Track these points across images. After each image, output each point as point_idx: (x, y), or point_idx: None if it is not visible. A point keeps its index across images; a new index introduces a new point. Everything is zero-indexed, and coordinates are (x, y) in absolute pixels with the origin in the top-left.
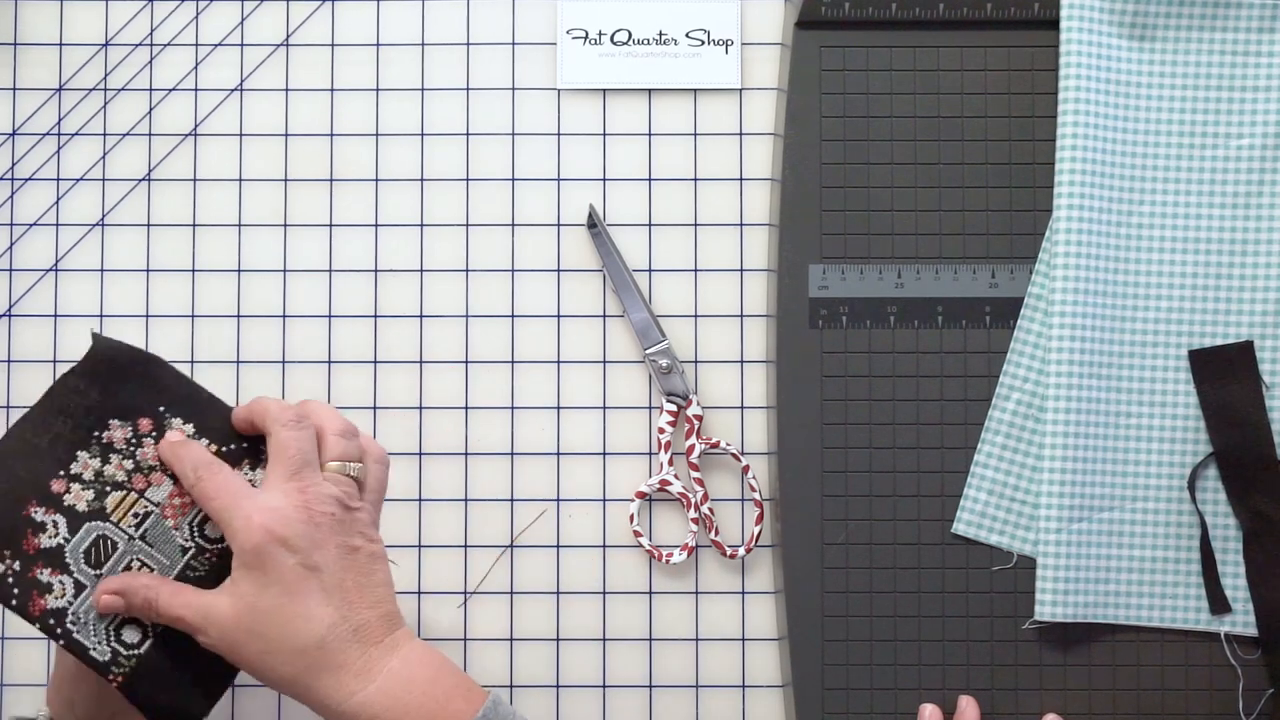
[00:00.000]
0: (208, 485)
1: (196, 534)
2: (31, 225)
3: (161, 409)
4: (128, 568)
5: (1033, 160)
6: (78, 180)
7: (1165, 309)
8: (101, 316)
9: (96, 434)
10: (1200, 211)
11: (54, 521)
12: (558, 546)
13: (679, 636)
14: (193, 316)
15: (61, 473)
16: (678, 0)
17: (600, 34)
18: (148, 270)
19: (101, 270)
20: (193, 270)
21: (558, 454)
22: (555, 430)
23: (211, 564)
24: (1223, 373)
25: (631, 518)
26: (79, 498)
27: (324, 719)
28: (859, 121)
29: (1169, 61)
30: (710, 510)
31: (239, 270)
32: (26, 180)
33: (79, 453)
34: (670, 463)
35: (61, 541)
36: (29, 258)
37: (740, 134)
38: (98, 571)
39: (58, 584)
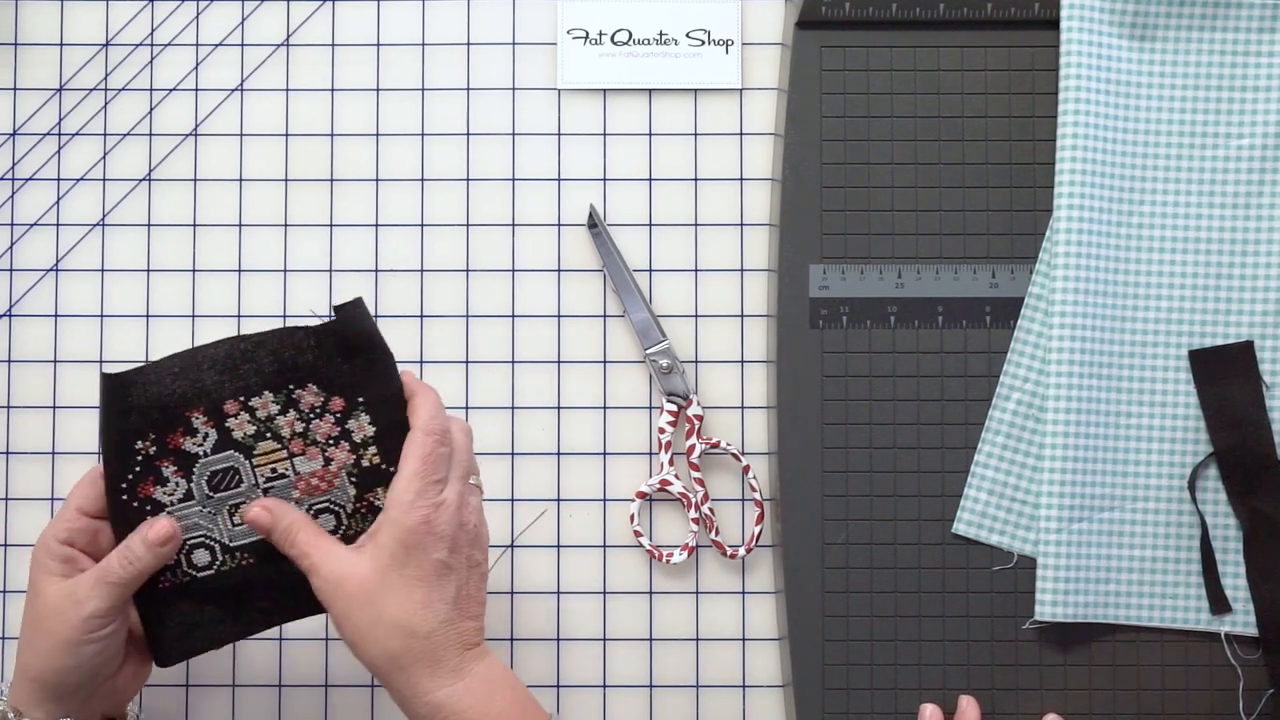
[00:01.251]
0: (413, 462)
1: None
2: (32, 225)
3: (360, 400)
4: (234, 508)
5: (1033, 160)
6: (78, 180)
7: (1165, 309)
8: (102, 316)
9: (291, 387)
10: (1200, 211)
11: (206, 434)
12: (558, 546)
13: (679, 636)
14: (193, 316)
15: (242, 398)
16: (678, 0)
17: (600, 34)
18: (148, 270)
19: (102, 270)
20: (193, 270)
21: (558, 454)
22: (555, 430)
23: None
24: (1223, 373)
25: (632, 518)
26: (241, 426)
27: (405, 708)
28: (859, 121)
29: (1169, 61)
30: (710, 510)
31: (239, 270)
32: (27, 180)
33: (266, 391)
34: (670, 463)
35: (201, 453)
36: (29, 258)
37: (740, 134)
38: (210, 494)
39: (174, 483)
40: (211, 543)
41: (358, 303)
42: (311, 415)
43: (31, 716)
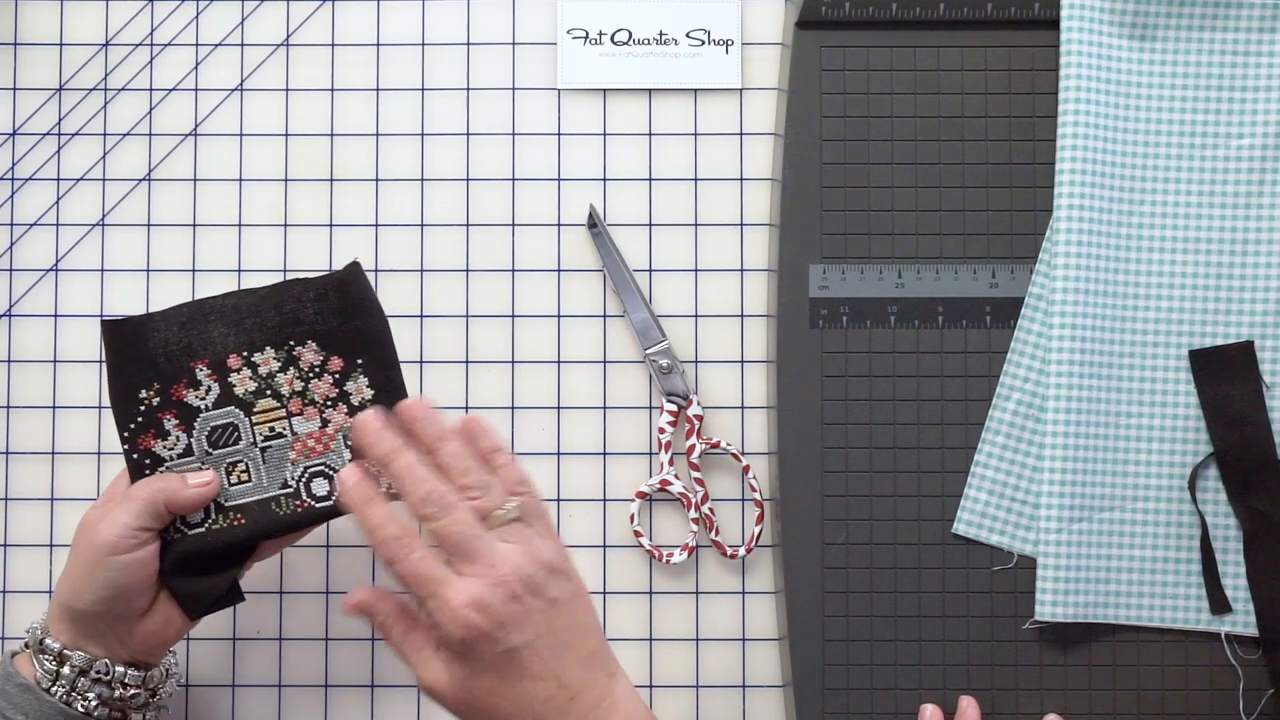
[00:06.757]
0: (407, 561)
1: (303, 482)
2: (32, 225)
3: (359, 362)
4: (231, 466)
5: (1033, 160)
6: (78, 180)
7: (1165, 309)
8: (102, 316)
9: (292, 343)
10: (1200, 211)
11: (209, 387)
12: None
13: (679, 636)
14: None
15: (245, 353)
16: (678, 0)
17: (600, 34)
18: (148, 270)
19: (101, 270)
20: (193, 270)
21: (558, 454)
22: (555, 430)
23: (296, 513)
24: (1223, 373)
25: (632, 518)
26: (242, 382)
27: None
28: (859, 121)
29: (1169, 61)
30: (710, 510)
31: (239, 270)
32: (27, 180)
33: (268, 348)
34: (670, 463)
35: (203, 406)
36: (29, 258)
37: (740, 134)
38: (209, 450)
39: (174, 437)
40: None
41: (355, 264)
42: (310, 374)
43: (56, 638)
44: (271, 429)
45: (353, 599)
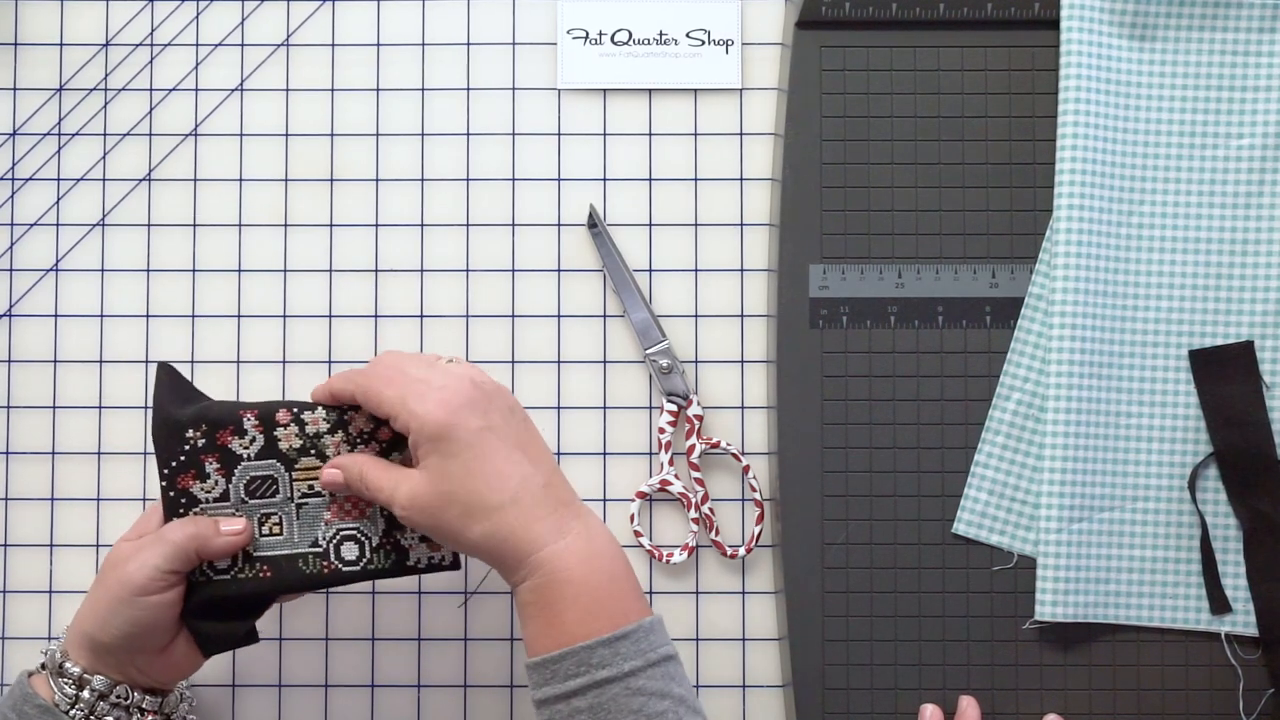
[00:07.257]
0: (377, 388)
1: (333, 544)
2: (32, 225)
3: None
4: (265, 517)
5: (1033, 160)
6: (78, 180)
7: (1165, 309)
8: (102, 316)
9: (346, 407)
10: (1200, 211)
11: (254, 438)
12: None
13: (679, 636)
14: (193, 316)
15: (296, 410)
16: (678, 0)
17: (600, 34)
18: (148, 270)
19: (102, 270)
20: (193, 270)
21: (558, 454)
22: (555, 430)
23: (322, 573)
24: (1223, 373)
25: (632, 518)
26: (289, 438)
27: (510, 579)
28: (859, 121)
29: (1169, 61)
30: (710, 510)
31: (239, 270)
32: (27, 180)
33: (320, 408)
34: (670, 463)
35: (245, 456)
36: (29, 258)
37: (740, 134)
38: (244, 499)
39: (213, 480)
40: None
41: None
42: (359, 440)
43: (76, 663)
44: (310, 487)
45: (325, 475)
